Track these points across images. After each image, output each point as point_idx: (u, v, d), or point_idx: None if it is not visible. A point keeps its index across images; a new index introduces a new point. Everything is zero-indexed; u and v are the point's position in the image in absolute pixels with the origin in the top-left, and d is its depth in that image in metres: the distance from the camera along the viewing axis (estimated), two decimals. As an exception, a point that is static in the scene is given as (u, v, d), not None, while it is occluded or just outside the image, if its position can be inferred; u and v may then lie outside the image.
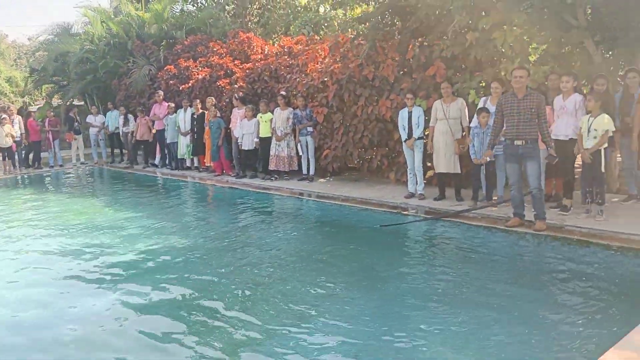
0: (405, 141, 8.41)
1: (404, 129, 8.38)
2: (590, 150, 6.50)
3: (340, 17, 14.23)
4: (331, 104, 10.19)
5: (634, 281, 5.02)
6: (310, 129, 10.59)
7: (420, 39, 9.20)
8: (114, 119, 15.53)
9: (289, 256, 6.29)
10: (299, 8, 17.81)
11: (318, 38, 12.97)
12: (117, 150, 16.39)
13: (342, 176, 10.88)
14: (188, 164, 13.54)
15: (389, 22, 9.61)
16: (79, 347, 4.25)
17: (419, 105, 8.45)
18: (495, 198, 7.81)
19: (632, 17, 7.97)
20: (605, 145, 6.52)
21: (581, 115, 6.78)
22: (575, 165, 7.39)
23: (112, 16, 19.04)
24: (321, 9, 16.37)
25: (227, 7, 18.47)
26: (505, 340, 4.00)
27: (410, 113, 8.32)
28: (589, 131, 6.49)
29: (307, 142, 10.67)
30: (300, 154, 10.84)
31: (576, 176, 7.39)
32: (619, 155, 8.02)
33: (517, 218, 6.62)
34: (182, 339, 4.26)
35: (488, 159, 7.40)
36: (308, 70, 10.94)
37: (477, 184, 7.78)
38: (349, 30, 10.33)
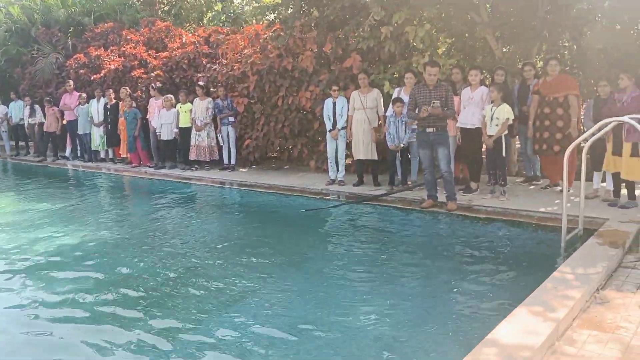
0: (330, 131, 8.74)
1: (329, 119, 8.71)
2: (493, 137, 7.13)
3: (256, 5, 14.33)
4: (252, 95, 10.36)
5: (534, 250, 5.68)
6: (231, 118, 10.69)
7: (337, 32, 9.55)
8: (18, 110, 14.77)
9: (216, 243, 6.39)
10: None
11: (236, 28, 13.03)
12: (21, 143, 15.56)
13: (263, 165, 11.09)
14: (102, 155, 13.18)
15: (307, 12, 9.88)
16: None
17: (342, 96, 8.82)
18: (410, 182, 8.34)
19: (526, 16, 8.77)
20: (506, 132, 7.18)
21: (486, 105, 7.41)
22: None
23: (13, 0, 17.94)
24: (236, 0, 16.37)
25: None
26: (423, 311, 4.37)
27: (334, 103, 8.66)
28: (491, 119, 7.13)
29: (228, 132, 10.77)
30: (221, 144, 10.92)
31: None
32: (518, 141, 8.84)
33: (431, 200, 7.15)
34: (113, 329, 4.16)
35: (402, 145, 7.91)
36: (228, 61, 11.01)
37: (394, 170, 8.28)
38: (264, 19, 10.49)
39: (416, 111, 6.90)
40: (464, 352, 3.17)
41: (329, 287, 4.91)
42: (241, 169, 10.84)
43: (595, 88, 7.87)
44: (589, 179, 7.00)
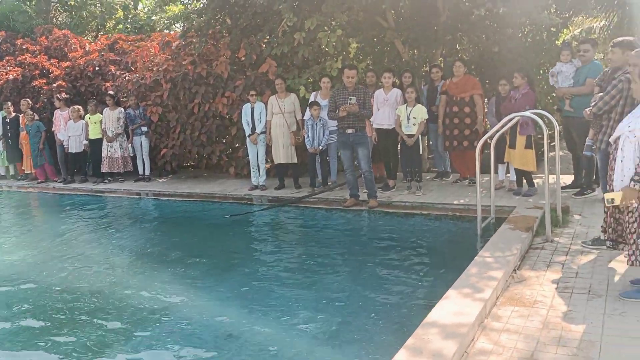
0: (249, 136, 8.79)
1: (248, 124, 8.75)
2: (415, 136, 7.53)
3: (165, 16, 14.07)
4: (166, 103, 10.18)
5: (454, 239, 6.12)
6: (144, 128, 10.45)
7: (250, 38, 9.63)
8: None
9: (137, 256, 6.22)
10: (115, 6, 17.11)
11: (145, 36, 12.72)
12: None
13: (181, 174, 10.92)
14: (2, 172, 12.36)
15: (220, 20, 9.88)
16: None
17: (260, 101, 8.90)
18: (331, 183, 8.59)
19: (429, 21, 9.32)
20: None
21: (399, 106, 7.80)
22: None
23: None
24: (140, 6, 15.94)
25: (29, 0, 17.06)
26: (357, 305, 4.55)
27: (252, 109, 8.72)
28: (408, 119, 7.52)
29: (141, 142, 10.50)
30: (134, 154, 10.64)
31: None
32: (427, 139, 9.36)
33: (353, 198, 7.42)
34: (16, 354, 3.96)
35: (321, 147, 8.14)
36: (138, 69, 10.75)
37: (314, 172, 8.48)
38: (176, 27, 10.38)
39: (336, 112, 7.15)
40: (403, 338, 3.38)
41: (260, 291, 4.96)
42: (158, 179, 10.61)
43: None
44: (495, 171, 7.57)
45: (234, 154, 10.01)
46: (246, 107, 8.82)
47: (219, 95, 9.73)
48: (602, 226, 4.93)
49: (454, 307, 3.67)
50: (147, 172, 10.61)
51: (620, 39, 5.25)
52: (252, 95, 8.74)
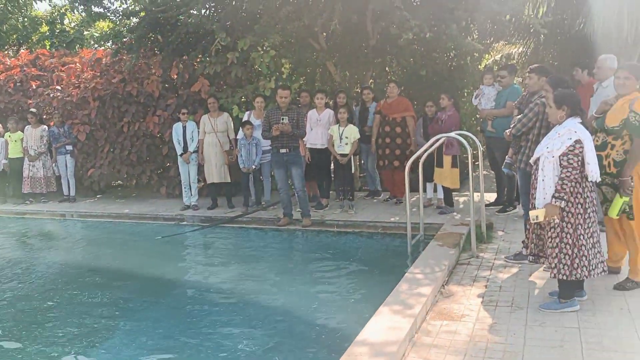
0: (181, 155, 8.64)
1: (179, 143, 8.61)
2: (348, 155, 7.66)
3: (95, 32, 13.67)
4: (94, 121, 9.86)
5: (385, 256, 6.28)
6: (68, 147, 10.06)
7: (183, 57, 9.54)
8: None
9: (63, 280, 6.01)
10: (40, 19, 16.46)
11: (71, 52, 12.30)
12: None
13: (109, 194, 10.55)
14: None
15: (151, 38, 9.74)
16: None
17: (192, 120, 8.80)
18: (264, 202, 8.58)
19: (359, 44, 9.59)
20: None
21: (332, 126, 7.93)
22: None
23: None
24: (66, 21, 15.44)
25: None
26: (291, 323, 4.61)
27: (184, 127, 8.60)
28: (340, 139, 7.66)
29: (66, 162, 10.11)
30: (58, 174, 10.22)
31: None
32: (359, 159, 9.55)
33: (287, 217, 7.45)
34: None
35: (254, 167, 8.14)
36: (64, 86, 10.37)
37: (247, 191, 8.45)
38: (106, 45, 10.11)
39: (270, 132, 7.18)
40: (337, 355, 3.43)
41: (192, 312, 4.91)
42: (84, 200, 10.22)
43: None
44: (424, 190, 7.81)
45: (166, 174, 9.80)
46: (177, 126, 8.69)
47: (150, 114, 9.54)
48: (523, 241, 5.20)
49: (385, 323, 3.76)
50: (72, 193, 10.20)
51: (536, 65, 5.62)
52: (183, 113, 8.63)
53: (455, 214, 7.22)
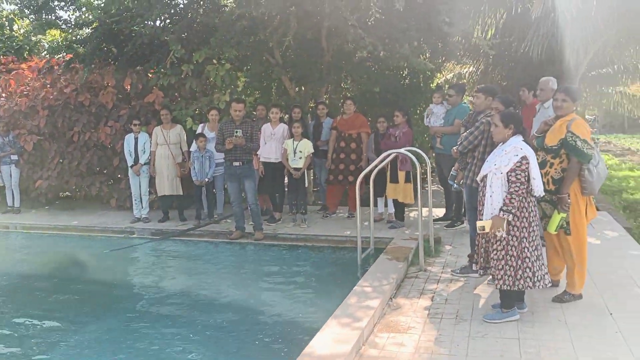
0: (131, 167, 8.51)
1: (130, 155, 8.48)
2: (302, 169, 7.72)
3: (45, 40, 13.29)
4: (43, 131, 9.59)
5: (335, 269, 6.33)
6: (13, 157, 9.75)
7: (137, 68, 9.43)
8: None
9: (6, 297, 5.81)
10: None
11: (18, 59, 11.93)
12: None
13: (57, 206, 10.23)
14: None
15: (105, 49, 9.60)
16: None
17: (144, 131, 8.68)
18: (217, 216, 8.53)
19: (315, 60, 9.71)
20: (306, 164, 7.86)
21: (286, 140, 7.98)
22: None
23: None
24: (15, 27, 14.99)
25: None
26: (240, 333, 4.62)
27: (136, 139, 8.48)
28: (295, 153, 7.71)
29: (10, 172, 9.79)
30: (2, 184, 9.88)
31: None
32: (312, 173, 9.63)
33: (239, 231, 7.42)
34: None
35: (207, 179, 8.10)
36: (10, 94, 10.06)
37: (200, 204, 8.38)
38: (61, 54, 9.85)
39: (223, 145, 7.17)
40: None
41: (140, 327, 4.84)
42: (30, 211, 9.89)
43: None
44: (374, 204, 7.94)
45: (116, 186, 9.61)
46: (129, 137, 8.56)
47: (102, 125, 9.35)
48: (469, 256, 5.37)
49: (333, 335, 3.81)
50: (17, 204, 9.87)
51: (483, 85, 5.84)
52: (134, 124, 8.51)
53: (405, 228, 7.36)
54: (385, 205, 7.95)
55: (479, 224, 4.24)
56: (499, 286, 4.21)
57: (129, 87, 9.45)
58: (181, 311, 5.17)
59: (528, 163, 4.08)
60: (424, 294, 4.92)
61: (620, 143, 24.72)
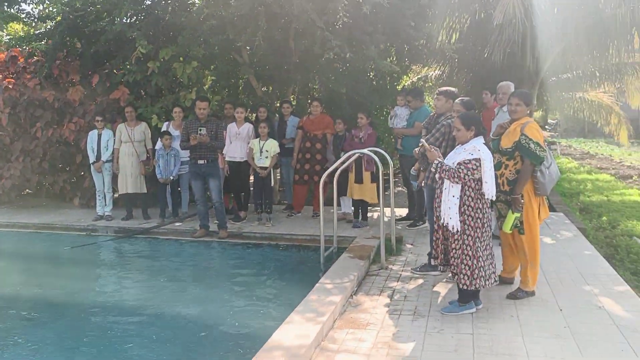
0: (93, 164, 8.41)
1: (93, 151, 8.39)
2: (268, 168, 7.77)
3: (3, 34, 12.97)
4: (4, 128, 9.36)
5: (299, 267, 6.41)
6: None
7: (103, 65, 9.32)
8: None
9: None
10: None
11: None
12: None
13: (17, 204, 10.02)
14: None
15: (69, 44, 9.46)
16: None
17: (108, 128, 8.59)
18: (181, 214, 8.51)
19: (282, 60, 9.77)
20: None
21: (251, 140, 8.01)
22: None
23: None
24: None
25: None
26: (206, 330, 4.65)
27: (99, 136, 8.39)
28: (261, 152, 7.76)
29: (-30, 168, 9.56)
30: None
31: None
32: (278, 172, 9.69)
33: (203, 229, 7.43)
34: None
35: (172, 178, 8.08)
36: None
37: (164, 202, 8.34)
38: (24, 47, 9.60)
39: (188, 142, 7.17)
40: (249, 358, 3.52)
41: (100, 326, 4.81)
42: (-11, 208, 9.68)
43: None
44: (338, 204, 8.05)
45: (79, 183, 9.46)
46: (92, 134, 8.46)
47: (66, 121, 9.18)
48: (429, 254, 5.50)
49: (294, 330, 3.88)
50: (-24, 201, 9.66)
51: (444, 88, 5.91)
52: (97, 121, 8.41)
53: (368, 228, 7.48)
54: (351, 205, 8.04)
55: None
56: (461, 285, 4.34)
57: (94, 84, 9.30)
58: (144, 309, 5.16)
59: (478, 165, 4.22)
60: (384, 291, 5.03)
61: (580, 147, 25.47)
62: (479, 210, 4.29)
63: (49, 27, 9.67)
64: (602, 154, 21.08)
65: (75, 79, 9.23)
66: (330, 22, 7.72)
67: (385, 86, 11.02)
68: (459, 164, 4.26)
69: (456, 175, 4.22)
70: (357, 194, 7.58)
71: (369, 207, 7.86)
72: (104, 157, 8.41)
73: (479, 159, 4.22)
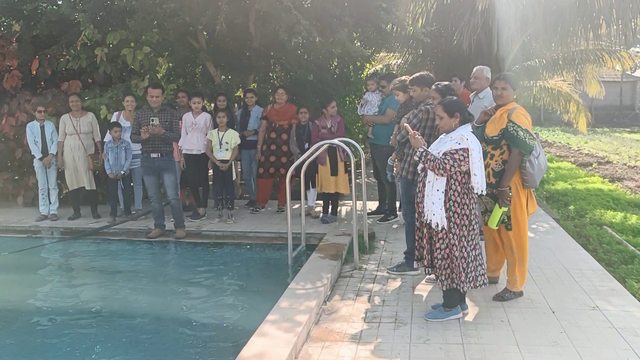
0: (40, 159, 7.65)
1: (37, 145, 7.63)
2: (229, 161, 7.20)
3: None
4: None
5: (265, 269, 5.93)
6: None
7: (45, 50, 8.50)
8: None
9: None
10: None
11: None
12: None
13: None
14: None
15: (4, 24, 8.61)
16: None
17: (50, 120, 7.82)
18: (134, 212, 7.86)
19: (242, 46, 9.19)
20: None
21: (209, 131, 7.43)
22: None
23: None
24: None
25: None
26: (168, 340, 4.13)
27: (42, 127, 7.62)
28: (220, 144, 7.19)
29: None
30: None
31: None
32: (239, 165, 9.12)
33: (159, 229, 6.82)
34: None
35: (123, 172, 7.44)
36: None
37: (115, 199, 7.68)
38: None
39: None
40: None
41: (49, 336, 4.29)
42: None
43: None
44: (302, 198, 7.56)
45: (22, 181, 8.62)
46: (33, 126, 7.65)
47: (5, 113, 8.32)
48: (405, 252, 5.09)
49: (261, 349, 3.39)
50: None
51: (416, 75, 5.13)
52: (39, 111, 7.62)
53: (336, 223, 7.04)
54: (320, 199, 7.57)
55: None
56: (444, 288, 3.95)
57: (34, 72, 8.50)
58: (91, 321, 4.58)
59: (465, 155, 3.79)
60: (359, 295, 4.59)
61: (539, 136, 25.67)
62: (465, 206, 3.87)
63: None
64: (560, 142, 21.25)
65: (13, 64, 8.40)
66: (297, 4, 7.19)
67: (348, 74, 10.58)
68: (444, 154, 3.83)
69: (441, 167, 3.78)
70: (332, 187, 7.10)
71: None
72: (52, 151, 7.66)
73: (467, 148, 3.79)
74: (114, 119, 7.71)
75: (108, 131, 7.54)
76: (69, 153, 7.59)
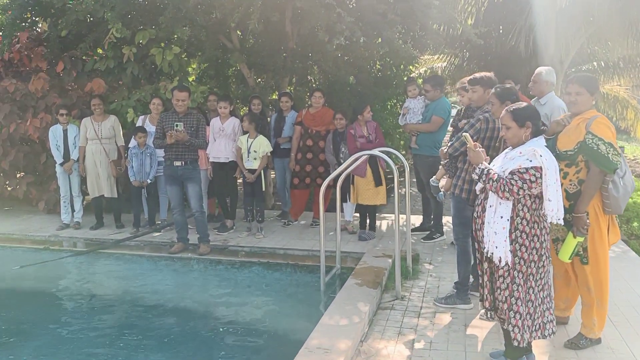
0: (61, 164, 7.25)
1: (59, 150, 7.23)
2: (257, 172, 6.64)
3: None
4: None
5: (294, 295, 5.25)
6: None
7: (71, 50, 8.12)
8: None
9: None
10: None
11: None
12: None
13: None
14: None
15: (30, 21, 8.28)
16: None
17: (74, 124, 7.42)
18: (159, 222, 7.38)
19: (278, 46, 8.63)
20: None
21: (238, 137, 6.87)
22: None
23: None
24: None
25: None
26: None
27: (65, 131, 7.22)
28: (249, 152, 6.62)
29: None
30: None
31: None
32: (273, 173, 8.53)
33: (181, 243, 6.27)
34: None
35: (148, 180, 6.96)
36: None
37: (139, 208, 7.21)
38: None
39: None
40: None
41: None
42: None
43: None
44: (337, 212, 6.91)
45: (46, 186, 8.24)
46: (56, 129, 7.25)
47: (31, 115, 7.96)
48: (456, 283, 4.42)
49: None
50: None
51: (479, 75, 4.51)
52: (62, 114, 7.22)
53: (375, 240, 6.37)
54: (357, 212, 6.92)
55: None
56: (516, 343, 3.19)
57: (61, 72, 8.12)
58: (111, 343, 4.13)
59: (539, 177, 3.06)
60: (402, 334, 3.92)
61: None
62: (536, 238, 3.15)
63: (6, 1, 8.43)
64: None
65: (41, 66, 8.03)
66: (339, 1, 6.58)
67: (391, 77, 9.88)
68: (511, 172, 3.12)
69: (507, 189, 3.07)
70: (371, 198, 6.44)
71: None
72: (73, 156, 7.26)
73: (540, 167, 3.06)
74: (139, 123, 7.25)
75: (133, 136, 7.08)
76: (91, 158, 7.16)
